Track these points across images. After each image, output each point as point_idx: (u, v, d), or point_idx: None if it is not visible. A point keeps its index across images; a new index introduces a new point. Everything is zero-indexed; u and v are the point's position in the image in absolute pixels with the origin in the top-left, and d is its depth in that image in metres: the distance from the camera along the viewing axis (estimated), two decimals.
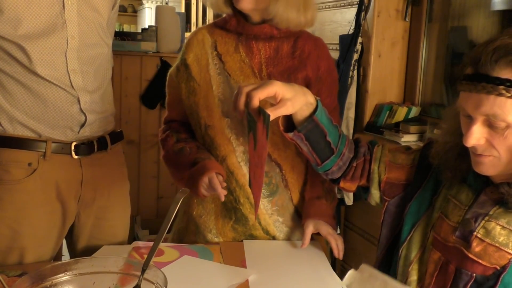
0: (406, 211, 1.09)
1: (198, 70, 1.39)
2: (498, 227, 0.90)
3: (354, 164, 1.20)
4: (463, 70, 0.89)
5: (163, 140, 1.49)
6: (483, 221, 0.92)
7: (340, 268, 2.40)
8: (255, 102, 0.98)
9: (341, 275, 2.10)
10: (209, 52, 1.39)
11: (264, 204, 1.38)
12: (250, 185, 1.19)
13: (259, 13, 1.34)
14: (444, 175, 1.02)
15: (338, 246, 1.35)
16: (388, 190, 1.17)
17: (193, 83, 1.40)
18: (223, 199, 1.27)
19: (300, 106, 1.05)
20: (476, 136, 0.87)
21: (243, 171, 1.36)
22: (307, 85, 1.39)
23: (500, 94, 0.82)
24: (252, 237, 1.41)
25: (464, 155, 0.97)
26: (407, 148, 1.21)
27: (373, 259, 1.22)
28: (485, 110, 0.84)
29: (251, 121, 1.03)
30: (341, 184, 1.24)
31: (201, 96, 1.38)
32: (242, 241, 1.41)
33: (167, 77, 1.49)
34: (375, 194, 1.20)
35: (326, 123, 1.12)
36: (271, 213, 1.39)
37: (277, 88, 1.00)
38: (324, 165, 1.18)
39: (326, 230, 1.36)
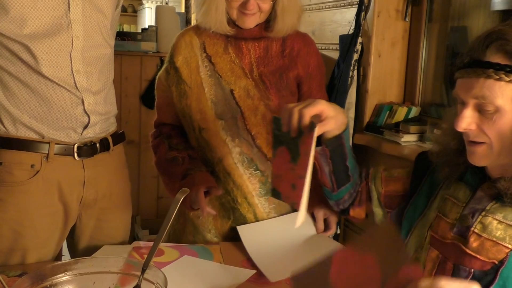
0: (403, 217, 1.11)
1: (188, 72, 1.39)
2: (495, 222, 0.91)
3: (360, 189, 1.25)
4: (461, 60, 0.93)
5: (154, 147, 1.49)
6: (480, 217, 0.93)
7: None
8: (307, 119, 1.03)
9: None
10: (198, 54, 1.39)
11: (261, 203, 1.39)
12: (276, 196, 1.17)
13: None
14: (442, 172, 1.04)
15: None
16: (389, 202, 1.21)
17: (184, 86, 1.39)
18: (204, 215, 1.31)
19: (340, 124, 1.11)
20: (467, 120, 0.90)
21: (239, 172, 1.37)
22: (298, 83, 1.40)
23: (489, 77, 0.85)
24: None
25: (462, 150, 0.98)
26: (402, 166, 1.26)
27: None
28: (475, 93, 0.87)
29: (281, 135, 1.08)
30: (351, 213, 1.28)
31: (193, 99, 1.38)
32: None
33: (156, 80, 1.49)
34: (377, 212, 1.24)
35: (348, 147, 1.17)
36: (268, 211, 1.40)
37: (323, 107, 1.06)
38: (339, 191, 1.22)
39: (334, 219, 1.43)
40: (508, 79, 0.84)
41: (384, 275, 0.79)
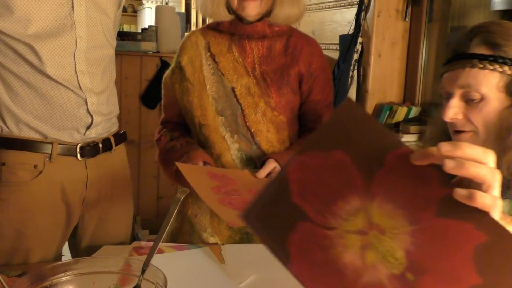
0: None
1: (192, 71, 1.41)
2: None
3: None
4: (447, 56, 0.99)
5: (157, 140, 1.52)
6: None
7: None
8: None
9: None
10: (203, 53, 1.41)
11: None
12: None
13: (259, 15, 1.36)
14: None
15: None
16: None
17: (187, 83, 1.41)
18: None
19: None
20: (454, 110, 0.93)
21: (238, 169, 1.37)
22: (300, 80, 1.40)
23: (473, 66, 0.91)
24: (248, 234, 1.42)
25: None
26: None
27: None
28: (461, 82, 0.92)
29: None
30: None
31: (195, 96, 1.40)
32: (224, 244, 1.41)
33: (163, 80, 1.52)
34: None
35: None
36: None
37: None
38: None
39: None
40: (491, 67, 0.90)
41: (365, 170, 0.61)
